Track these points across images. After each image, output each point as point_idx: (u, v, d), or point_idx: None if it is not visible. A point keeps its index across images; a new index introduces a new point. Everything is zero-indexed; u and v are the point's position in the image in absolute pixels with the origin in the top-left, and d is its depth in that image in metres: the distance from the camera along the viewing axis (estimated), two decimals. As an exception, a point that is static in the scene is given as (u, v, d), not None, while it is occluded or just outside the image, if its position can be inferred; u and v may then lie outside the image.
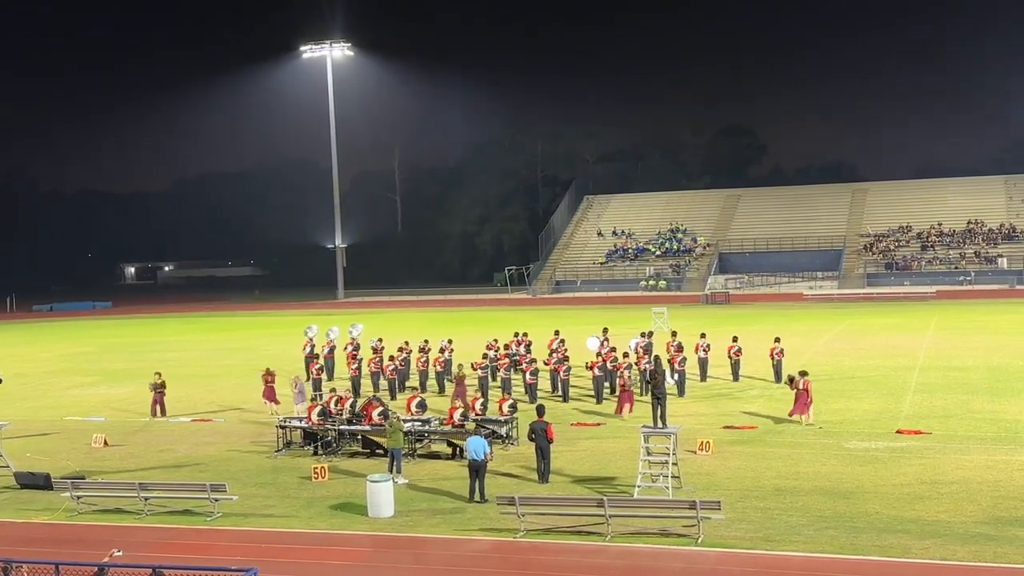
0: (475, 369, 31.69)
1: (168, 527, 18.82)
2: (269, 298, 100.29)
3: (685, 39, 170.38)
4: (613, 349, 32.41)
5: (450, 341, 35.58)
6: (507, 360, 32.16)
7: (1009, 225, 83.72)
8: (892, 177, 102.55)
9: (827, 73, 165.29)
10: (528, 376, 30.84)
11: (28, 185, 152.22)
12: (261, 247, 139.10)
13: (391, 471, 21.04)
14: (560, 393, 31.00)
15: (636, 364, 31.12)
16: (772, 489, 19.67)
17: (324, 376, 34.83)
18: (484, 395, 28.59)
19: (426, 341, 35.56)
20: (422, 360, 33.97)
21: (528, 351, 34.29)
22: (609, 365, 30.82)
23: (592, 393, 30.67)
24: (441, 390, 32.79)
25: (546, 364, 32.12)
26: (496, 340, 35.87)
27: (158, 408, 30.43)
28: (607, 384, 30.66)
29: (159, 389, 30.60)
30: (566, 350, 32.88)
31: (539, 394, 30.50)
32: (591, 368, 30.96)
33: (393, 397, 31.50)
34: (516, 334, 36.42)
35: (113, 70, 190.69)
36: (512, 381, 31.47)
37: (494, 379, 32.46)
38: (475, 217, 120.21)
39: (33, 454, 25.33)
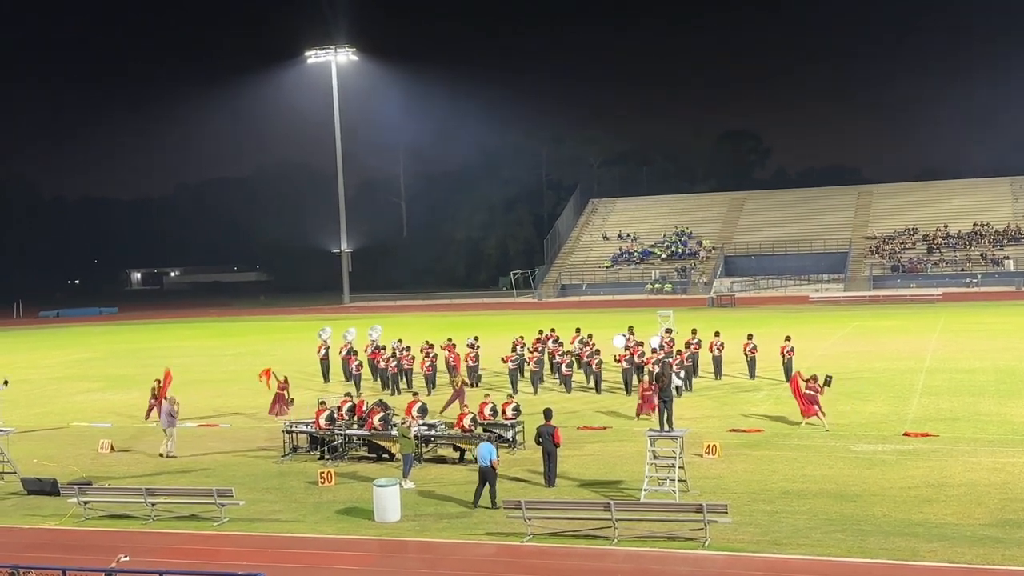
0: (506, 362, 33.05)
1: (175, 532, 18.83)
2: (274, 303, 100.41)
3: (689, 43, 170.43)
4: (640, 343, 33.23)
5: (476, 338, 35.94)
6: (538, 355, 33.23)
7: (1015, 227, 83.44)
8: (897, 179, 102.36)
9: (831, 75, 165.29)
10: (564, 368, 32.43)
11: (31, 192, 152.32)
12: (266, 252, 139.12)
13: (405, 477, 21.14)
14: (592, 385, 32.32)
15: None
16: (779, 492, 19.64)
17: (358, 373, 34.92)
18: (514, 388, 30.70)
19: (449, 339, 36.24)
20: (452, 356, 34.94)
21: (559, 344, 35.23)
22: (637, 359, 31.84)
23: (621, 385, 31.90)
24: (474, 384, 33.70)
25: (580, 357, 33.23)
26: (522, 336, 36.59)
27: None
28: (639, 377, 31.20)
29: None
30: (595, 344, 33.62)
31: (573, 386, 32.39)
32: (619, 360, 32.29)
33: (428, 392, 32.37)
34: (540, 331, 36.90)
35: (117, 76, 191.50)
36: (544, 375, 33.02)
37: (523, 374, 33.27)
38: (480, 222, 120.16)
39: (40, 460, 25.40)
